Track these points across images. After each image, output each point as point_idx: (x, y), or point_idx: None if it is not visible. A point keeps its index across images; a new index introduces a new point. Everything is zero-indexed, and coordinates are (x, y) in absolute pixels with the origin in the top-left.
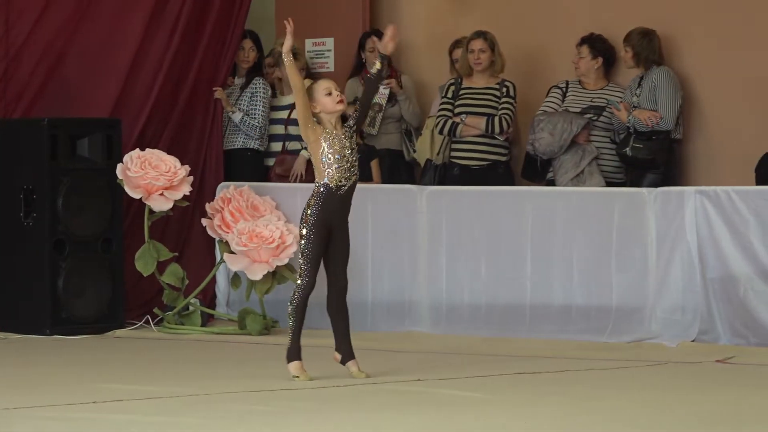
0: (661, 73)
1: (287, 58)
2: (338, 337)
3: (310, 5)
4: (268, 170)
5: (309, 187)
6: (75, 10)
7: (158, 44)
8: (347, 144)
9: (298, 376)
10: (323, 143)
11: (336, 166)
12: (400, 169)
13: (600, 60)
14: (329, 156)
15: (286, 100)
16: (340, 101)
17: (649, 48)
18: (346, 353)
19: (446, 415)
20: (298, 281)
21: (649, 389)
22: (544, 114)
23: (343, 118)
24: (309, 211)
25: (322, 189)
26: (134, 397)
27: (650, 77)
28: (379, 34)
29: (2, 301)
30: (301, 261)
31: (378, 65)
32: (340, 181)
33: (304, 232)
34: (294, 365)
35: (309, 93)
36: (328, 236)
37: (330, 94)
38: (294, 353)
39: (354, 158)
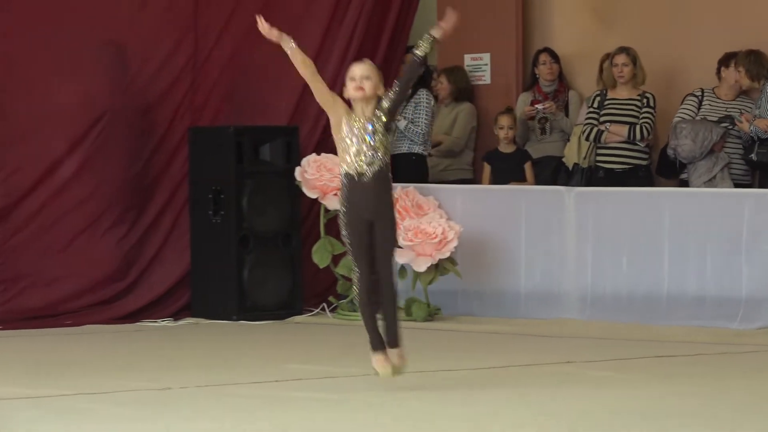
0: None
1: (287, 45)
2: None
3: (468, 23)
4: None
5: (471, 189)
6: (255, 23)
7: (334, 58)
8: (371, 128)
9: (378, 372)
10: (344, 126)
11: (354, 149)
12: (561, 172)
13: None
14: (347, 140)
15: (447, 110)
16: (358, 88)
17: (757, 65)
18: (393, 340)
19: (593, 393)
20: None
21: None
22: (686, 122)
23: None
24: (340, 210)
25: (344, 179)
26: (312, 376)
27: (766, 90)
28: (551, 53)
29: (194, 291)
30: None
31: (426, 47)
32: (361, 168)
33: (342, 231)
34: (375, 358)
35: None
36: (368, 228)
37: (353, 79)
38: (374, 345)
39: (379, 143)
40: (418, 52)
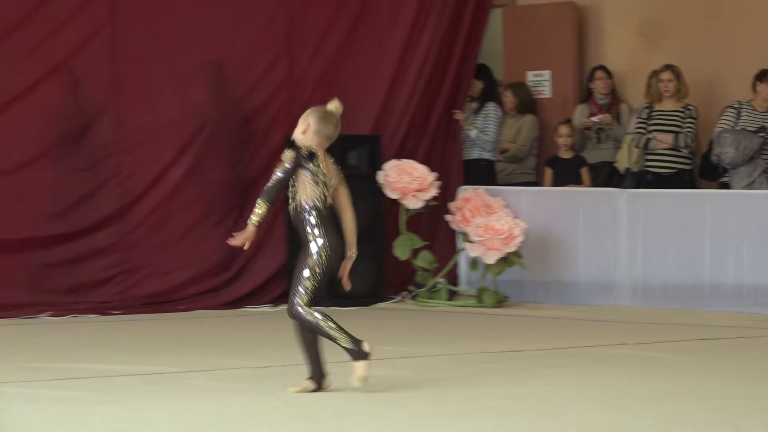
0: None
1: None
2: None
3: (530, 43)
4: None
5: (534, 190)
6: (344, 42)
7: (412, 73)
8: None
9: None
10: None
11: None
12: (614, 176)
13: None
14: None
15: (512, 121)
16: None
17: None
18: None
19: (645, 372)
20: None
21: None
22: (728, 132)
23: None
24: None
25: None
26: (396, 356)
27: None
28: (605, 69)
29: (290, 280)
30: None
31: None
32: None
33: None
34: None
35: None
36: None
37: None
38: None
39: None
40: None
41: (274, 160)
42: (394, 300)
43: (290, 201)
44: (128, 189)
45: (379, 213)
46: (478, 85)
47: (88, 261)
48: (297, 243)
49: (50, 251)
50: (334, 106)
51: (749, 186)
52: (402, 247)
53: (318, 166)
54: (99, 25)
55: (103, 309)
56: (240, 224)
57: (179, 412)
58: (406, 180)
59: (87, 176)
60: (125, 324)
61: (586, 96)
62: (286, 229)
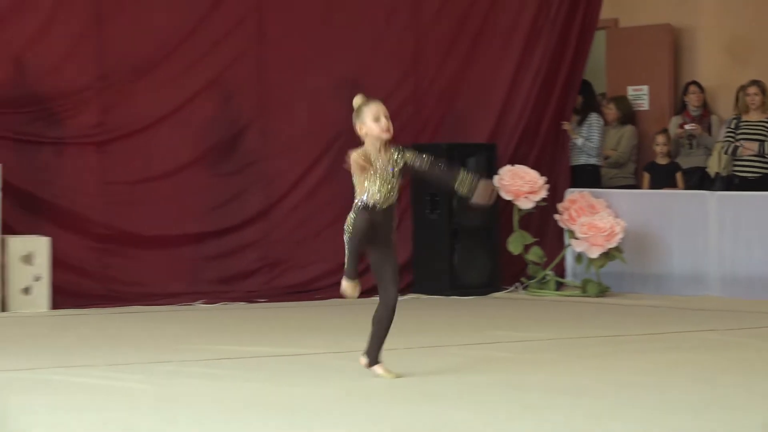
0: None
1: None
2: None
3: (630, 61)
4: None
5: (633, 193)
6: (464, 61)
7: (524, 88)
8: (392, 171)
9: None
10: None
11: (377, 185)
12: (705, 180)
13: None
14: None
15: (614, 131)
16: (387, 130)
17: None
18: (373, 358)
19: (733, 354)
20: None
21: None
22: None
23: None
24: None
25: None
26: (510, 340)
27: None
28: (698, 84)
29: (416, 272)
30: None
31: (463, 189)
32: (378, 200)
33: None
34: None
35: (357, 113)
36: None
37: (378, 120)
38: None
39: (396, 183)
40: (462, 190)
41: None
42: (507, 290)
43: (396, 192)
44: (272, 191)
45: (494, 213)
46: (578, 99)
47: (237, 255)
48: (424, 238)
49: (204, 246)
50: (357, 101)
51: None
52: (515, 243)
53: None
54: (248, 46)
55: (249, 298)
56: None
57: (317, 388)
58: (519, 183)
59: (236, 180)
60: (269, 311)
61: (681, 108)
62: (412, 227)
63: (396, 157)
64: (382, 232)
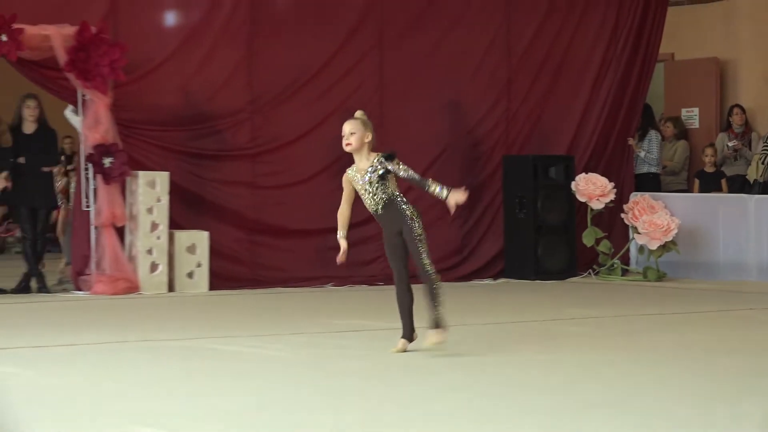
0: None
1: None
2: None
3: (684, 87)
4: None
5: (686, 196)
6: (547, 89)
7: (595, 112)
8: (368, 179)
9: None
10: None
11: (365, 196)
12: (746, 185)
13: None
14: (361, 191)
15: (670, 145)
16: (346, 144)
17: None
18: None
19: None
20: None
21: None
22: None
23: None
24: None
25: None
26: (582, 316)
27: None
28: (740, 107)
29: (506, 261)
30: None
31: (435, 193)
32: (373, 207)
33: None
34: (400, 341)
35: None
36: (399, 237)
37: (343, 136)
38: (403, 332)
39: (377, 187)
40: (433, 189)
41: (496, 174)
42: (582, 275)
43: (381, 195)
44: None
45: (571, 212)
46: (640, 119)
47: (360, 246)
48: (513, 233)
49: (333, 238)
50: (359, 113)
51: None
52: (588, 237)
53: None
54: (369, 76)
55: (370, 281)
56: (469, 221)
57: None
58: (592, 188)
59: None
60: (385, 293)
61: (726, 126)
62: (503, 224)
63: (374, 162)
64: (390, 229)
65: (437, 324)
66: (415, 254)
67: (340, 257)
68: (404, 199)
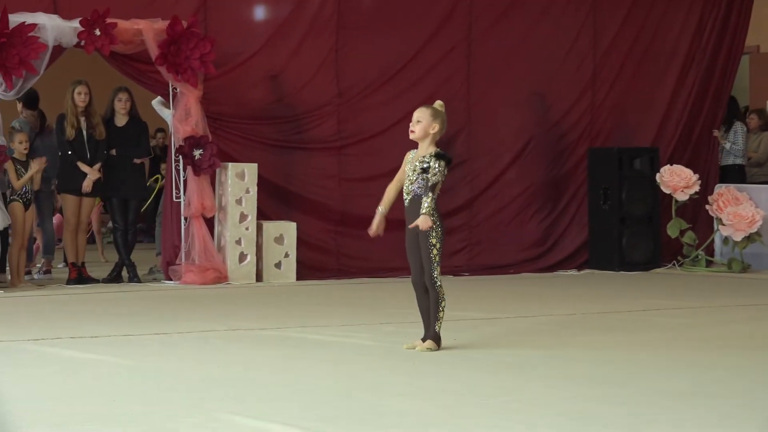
0: None
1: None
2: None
3: None
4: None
5: (766, 188)
6: (631, 81)
7: (680, 103)
8: (417, 166)
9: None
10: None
11: (408, 180)
12: None
13: None
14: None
15: (755, 137)
16: (410, 131)
17: None
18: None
19: None
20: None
21: None
22: None
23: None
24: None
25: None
26: (667, 307)
27: None
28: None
29: (591, 252)
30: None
31: (423, 206)
32: (406, 195)
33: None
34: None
35: None
36: (416, 239)
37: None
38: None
39: (415, 177)
40: (425, 201)
41: (580, 166)
42: (666, 266)
43: (415, 188)
44: (475, 186)
45: (656, 203)
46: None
47: (447, 236)
48: (597, 224)
49: None
50: (438, 103)
51: None
52: (673, 228)
53: None
54: (458, 68)
55: (456, 271)
56: (553, 213)
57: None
58: (676, 180)
59: (448, 177)
60: (471, 282)
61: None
62: (587, 215)
63: (428, 154)
64: (409, 223)
65: (431, 338)
66: (426, 262)
67: (372, 229)
68: (433, 204)
